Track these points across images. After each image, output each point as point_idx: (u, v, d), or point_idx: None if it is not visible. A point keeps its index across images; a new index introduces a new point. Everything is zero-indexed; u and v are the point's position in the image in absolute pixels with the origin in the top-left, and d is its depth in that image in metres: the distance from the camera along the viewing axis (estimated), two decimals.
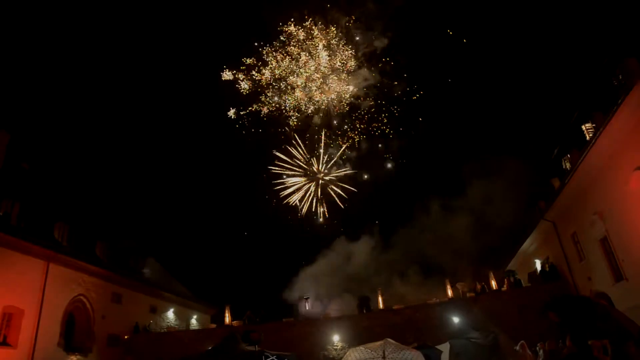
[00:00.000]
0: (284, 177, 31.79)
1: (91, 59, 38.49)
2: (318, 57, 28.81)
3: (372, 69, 29.78)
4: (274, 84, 29.73)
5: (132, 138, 38.41)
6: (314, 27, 28.74)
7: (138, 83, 38.92)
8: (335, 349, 20.20)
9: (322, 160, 31.85)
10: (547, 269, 20.79)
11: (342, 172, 31.93)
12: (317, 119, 30.43)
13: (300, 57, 29.03)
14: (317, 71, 29.10)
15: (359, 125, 30.84)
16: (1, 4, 29.03)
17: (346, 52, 29.26)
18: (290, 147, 31.67)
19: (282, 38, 29.32)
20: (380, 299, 22.03)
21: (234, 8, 36.47)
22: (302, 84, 29.34)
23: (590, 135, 15.64)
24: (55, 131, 32.99)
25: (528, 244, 24.17)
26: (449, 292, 21.34)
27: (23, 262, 18.29)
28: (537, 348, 14.37)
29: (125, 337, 22.82)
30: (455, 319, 19.66)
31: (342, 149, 31.51)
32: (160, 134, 40.23)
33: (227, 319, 22.54)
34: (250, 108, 30.49)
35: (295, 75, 29.30)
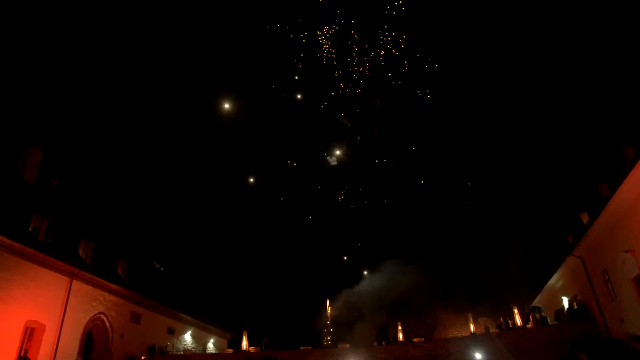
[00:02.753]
0: None
1: (123, 81, 39.84)
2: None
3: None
4: None
5: (159, 160, 39.29)
6: None
7: (168, 105, 40.01)
8: None
9: None
10: (576, 307, 20.00)
11: None
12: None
13: None
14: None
15: None
16: (30, 25, 30.44)
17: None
18: None
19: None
20: (399, 330, 21.52)
21: None
22: None
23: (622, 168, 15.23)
24: (84, 149, 33.97)
25: (555, 280, 23.36)
26: (472, 327, 20.72)
27: (47, 278, 18.65)
28: None
29: (142, 357, 22.76)
30: (478, 355, 19.00)
31: None
32: (186, 156, 41.02)
33: (244, 344, 22.32)
34: None
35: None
